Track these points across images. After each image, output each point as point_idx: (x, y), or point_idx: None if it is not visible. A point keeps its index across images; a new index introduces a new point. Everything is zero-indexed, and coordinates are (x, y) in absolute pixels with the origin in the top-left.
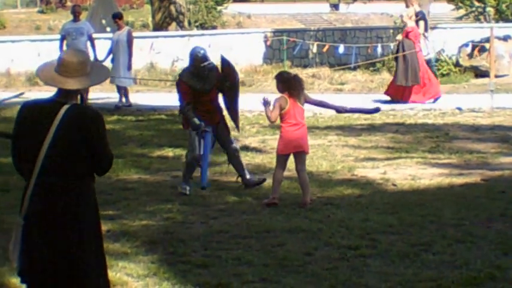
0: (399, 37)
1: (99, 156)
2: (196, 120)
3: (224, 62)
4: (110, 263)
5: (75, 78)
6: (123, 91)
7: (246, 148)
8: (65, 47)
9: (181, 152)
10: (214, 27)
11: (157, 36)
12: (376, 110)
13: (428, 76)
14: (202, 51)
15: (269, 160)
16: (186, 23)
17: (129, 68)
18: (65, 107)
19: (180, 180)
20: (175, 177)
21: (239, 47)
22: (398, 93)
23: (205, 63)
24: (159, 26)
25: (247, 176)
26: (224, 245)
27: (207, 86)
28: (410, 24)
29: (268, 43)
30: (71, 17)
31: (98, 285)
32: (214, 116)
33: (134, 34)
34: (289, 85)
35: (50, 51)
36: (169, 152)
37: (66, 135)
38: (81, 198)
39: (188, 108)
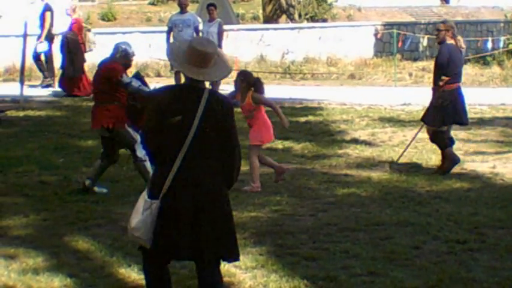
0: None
1: (235, 142)
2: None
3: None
4: None
5: (208, 68)
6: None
7: (355, 141)
8: (171, 39)
9: (290, 144)
10: (324, 20)
11: (267, 29)
12: None
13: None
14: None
15: (378, 153)
16: (296, 16)
17: None
18: (206, 92)
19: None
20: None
21: (349, 39)
22: (70, 85)
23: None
24: (270, 18)
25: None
26: (332, 238)
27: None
28: (74, 16)
29: (379, 36)
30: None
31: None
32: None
33: (244, 26)
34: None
35: (160, 42)
36: (278, 145)
37: (211, 119)
38: (222, 180)
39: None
